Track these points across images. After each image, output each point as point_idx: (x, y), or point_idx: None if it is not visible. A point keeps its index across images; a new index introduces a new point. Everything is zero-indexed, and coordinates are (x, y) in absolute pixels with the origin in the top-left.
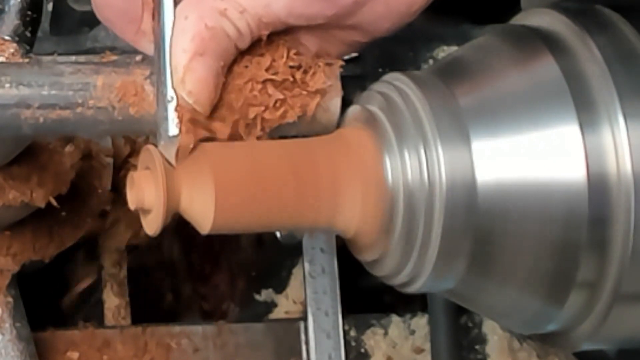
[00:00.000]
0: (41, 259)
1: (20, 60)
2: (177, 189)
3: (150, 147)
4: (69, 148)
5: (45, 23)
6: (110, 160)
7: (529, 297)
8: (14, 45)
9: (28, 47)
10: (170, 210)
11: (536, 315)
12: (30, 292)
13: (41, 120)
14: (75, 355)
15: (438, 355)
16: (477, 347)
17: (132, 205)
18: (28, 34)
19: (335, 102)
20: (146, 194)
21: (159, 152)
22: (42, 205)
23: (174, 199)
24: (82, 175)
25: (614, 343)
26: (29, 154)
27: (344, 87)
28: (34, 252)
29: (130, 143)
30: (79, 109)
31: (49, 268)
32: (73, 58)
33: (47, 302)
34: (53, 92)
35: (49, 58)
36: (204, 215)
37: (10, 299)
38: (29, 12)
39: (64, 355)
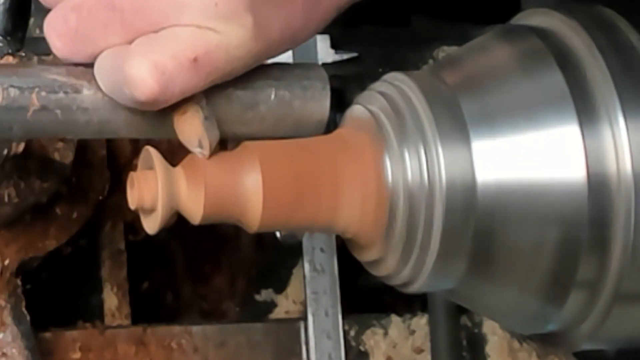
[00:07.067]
0: (38, 254)
1: (11, 60)
2: (177, 188)
3: (150, 147)
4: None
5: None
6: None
7: (529, 297)
8: (4, 44)
9: (19, 46)
10: (170, 210)
11: (536, 315)
12: (31, 292)
13: (32, 121)
14: (76, 355)
15: (438, 355)
16: (477, 347)
17: (132, 205)
18: (18, 33)
19: (324, 104)
20: (146, 194)
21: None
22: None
23: (174, 198)
24: (78, 171)
25: (614, 343)
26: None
27: (344, 87)
28: (31, 249)
29: (131, 143)
30: (70, 111)
31: (49, 268)
32: None
33: (48, 302)
34: (43, 93)
35: (41, 59)
36: (194, 208)
37: (10, 297)
38: (19, 11)
39: (64, 356)
